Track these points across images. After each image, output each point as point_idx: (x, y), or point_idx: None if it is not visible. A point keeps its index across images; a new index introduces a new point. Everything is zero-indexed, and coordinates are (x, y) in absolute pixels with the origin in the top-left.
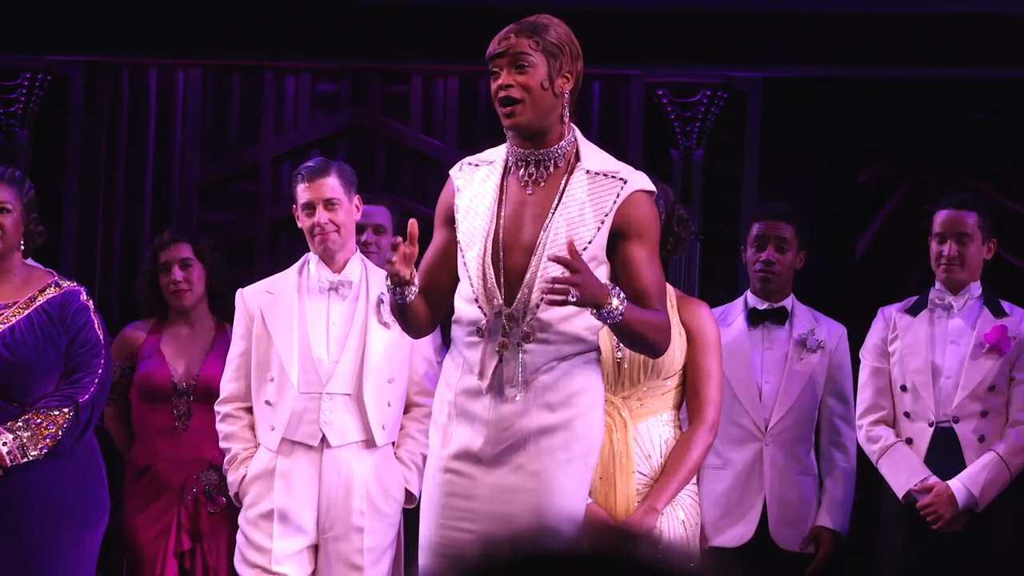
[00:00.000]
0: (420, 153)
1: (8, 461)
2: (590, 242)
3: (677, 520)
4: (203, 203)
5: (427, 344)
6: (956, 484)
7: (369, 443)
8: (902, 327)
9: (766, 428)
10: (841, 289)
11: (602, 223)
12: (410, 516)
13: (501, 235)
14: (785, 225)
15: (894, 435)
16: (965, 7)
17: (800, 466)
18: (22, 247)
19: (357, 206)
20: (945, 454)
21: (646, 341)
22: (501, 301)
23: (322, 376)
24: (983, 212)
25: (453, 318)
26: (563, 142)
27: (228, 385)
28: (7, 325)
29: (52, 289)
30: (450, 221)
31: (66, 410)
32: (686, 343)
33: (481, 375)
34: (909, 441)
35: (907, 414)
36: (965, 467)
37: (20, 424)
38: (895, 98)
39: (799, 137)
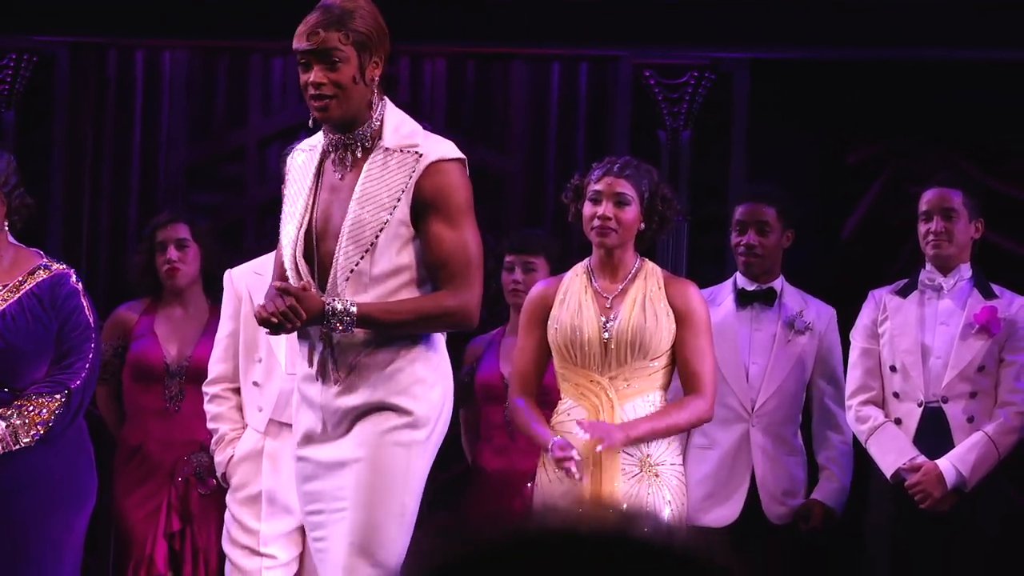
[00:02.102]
0: None
1: (2, 448)
2: (386, 222)
3: (663, 500)
4: (190, 185)
5: None
6: (944, 463)
7: None
8: (892, 308)
9: (753, 409)
10: (828, 270)
11: (398, 200)
12: None
13: (315, 223)
14: (767, 208)
15: (883, 415)
16: None
17: (786, 447)
18: (6, 226)
19: None
20: (934, 434)
21: (418, 328)
22: (315, 288)
23: None
24: (968, 191)
25: None
26: (368, 123)
27: (216, 366)
28: None
29: (42, 271)
30: None
31: (58, 396)
32: (674, 323)
33: (309, 361)
34: (898, 421)
35: (896, 394)
36: (954, 447)
37: (11, 411)
38: (883, 79)
39: (786, 118)
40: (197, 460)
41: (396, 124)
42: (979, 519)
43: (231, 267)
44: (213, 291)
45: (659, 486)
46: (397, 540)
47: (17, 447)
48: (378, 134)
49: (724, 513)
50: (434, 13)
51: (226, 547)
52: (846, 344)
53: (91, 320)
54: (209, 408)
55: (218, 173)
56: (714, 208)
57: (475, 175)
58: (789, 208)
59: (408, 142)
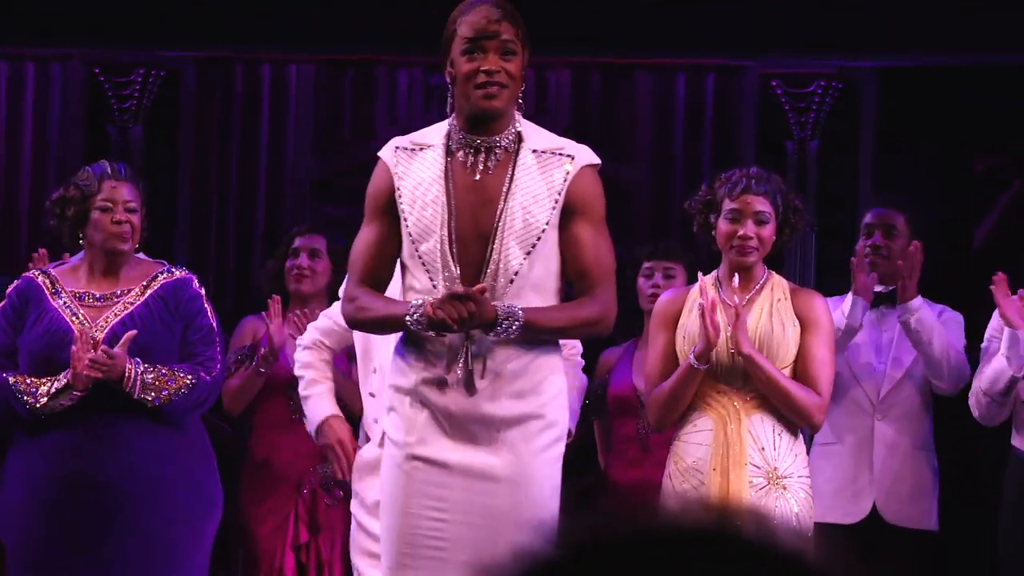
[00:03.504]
0: None
1: (127, 383)
2: (547, 223)
3: (791, 513)
4: (316, 197)
5: None
6: None
7: None
8: None
9: (878, 401)
10: (959, 279)
11: (556, 202)
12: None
13: (454, 223)
14: (896, 214)
15: None
16: None
17: (915, 440)
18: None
19: None
20: None
21: (569, 335)
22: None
23: None
24: None
25: None
26: (512, 126)
27: (316, 324)
28: (126, 312)
29: (165, 275)
30: (388, 210)
31: (190, 377)
32: (799, 332)
33: (448, 367)
34: None
35: None
36: None
37: (148, 366)
38: (1012, 85)
39: (914, 126)
40: (323, 471)
41: (533, 129)
42: None
43: None
44: None
45: (786, 499)
46: None
47: (137, 397)
48: (516, 138)
49: (852, 509)
50: (559, 24)
51: (353, 556)
52: (968, 350)
53: (214, 324)
54: (300, 356)
55: (344, 186)
56: (841, 218)
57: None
58: (918, 219)
59: (555, 144)
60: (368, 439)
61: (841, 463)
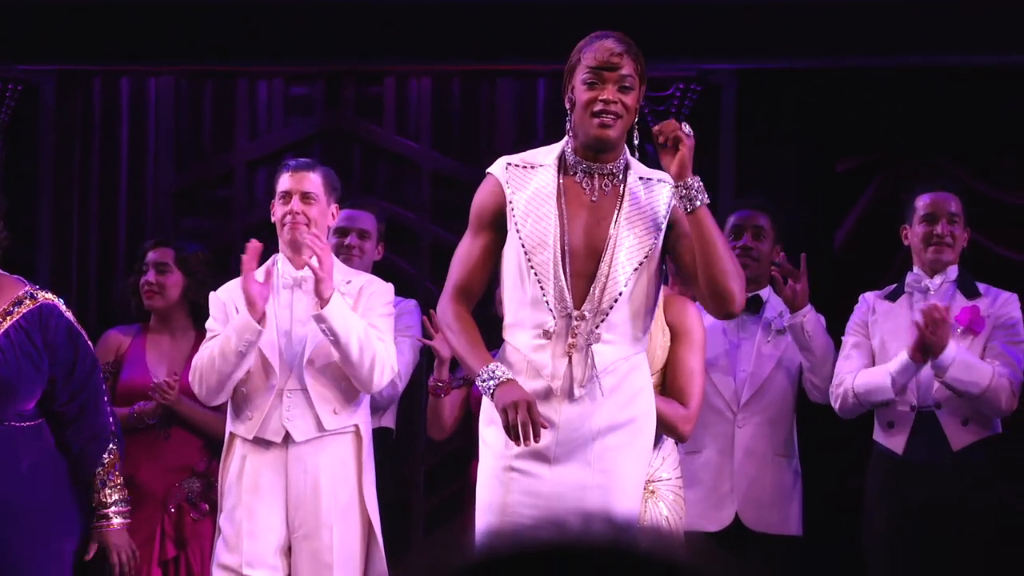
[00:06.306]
0: (395, 154)
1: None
2: (654, 241)
3: (660, 516)
4: (178, 209)
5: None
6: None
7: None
8: (881, 312)
9: (738, 408)
10: (820, 280)
11: (663, 224)
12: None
13: (567, 238)
14: (762, 215)
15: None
16: None
17: (775, 446)
18: None
19: (333, 214)
20: (928, 437)
21: (721, 251)
22: (571, 303)
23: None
24: (963, 198)
25: (509, 322)
26: (623, 156)
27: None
28: None
29: (28, 301)
30: (495, 224)
31: (112, 446)
32: (669, 340)
33: (552, 376)
34: (891, 424)
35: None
36: (950, 450)
37: (99, 487)
38: (870, 87)
39: (774, 128)
40: (188, 486)
41: (635, 161)
42: (975, 527)
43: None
44: (199, 318)
45: (655, 503)
46: None
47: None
48: (627, 165)
49: (716, 517)
50: (418, 32)
51: (214, 570)
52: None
53: (92, 349)
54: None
55: (206, 197)
56: None
57: (465, 194)
58: (780, 221)
59: (656, 174)
60: (231, 450)
61: (704, 471)
